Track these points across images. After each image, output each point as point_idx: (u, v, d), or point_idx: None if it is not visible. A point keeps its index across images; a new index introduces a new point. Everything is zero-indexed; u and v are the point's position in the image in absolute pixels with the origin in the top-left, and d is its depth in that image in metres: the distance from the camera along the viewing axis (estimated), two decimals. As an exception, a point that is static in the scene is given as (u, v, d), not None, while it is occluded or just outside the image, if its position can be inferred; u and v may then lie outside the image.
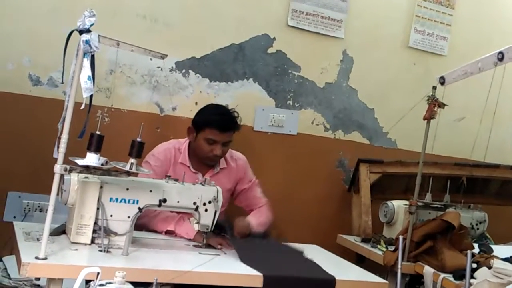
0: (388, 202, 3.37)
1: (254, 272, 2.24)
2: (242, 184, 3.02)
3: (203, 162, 2.90)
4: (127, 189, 2.33)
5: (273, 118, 3.56)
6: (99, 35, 2.03)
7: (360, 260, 3.18)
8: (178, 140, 2.98)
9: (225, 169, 2.96)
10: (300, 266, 2.50)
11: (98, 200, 2.27)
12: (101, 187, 2.28)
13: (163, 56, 2.30)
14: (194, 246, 2.55)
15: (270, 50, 3.54)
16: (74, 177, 2.21)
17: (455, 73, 2.08)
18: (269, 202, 3.03)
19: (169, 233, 2.68)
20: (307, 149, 3.66)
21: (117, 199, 2.32)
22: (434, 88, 2.81)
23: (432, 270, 2.72)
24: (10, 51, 3.01)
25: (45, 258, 1.99)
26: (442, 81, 2.27)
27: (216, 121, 2.81)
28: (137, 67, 3.24)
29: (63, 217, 2.36)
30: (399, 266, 1.42)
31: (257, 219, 2.86)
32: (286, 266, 2.47)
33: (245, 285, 2.21)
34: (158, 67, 3.28)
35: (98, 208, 2.27)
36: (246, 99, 3.49)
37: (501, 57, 1.63)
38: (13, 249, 2.30)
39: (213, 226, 2.53)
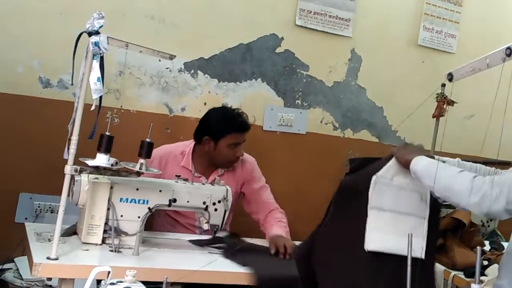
0: (397, 200, 3.35)
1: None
2: (248, 186, 2.93)
3: (217, 166, 2.86)
4: (137, 189, 2.35)
5: (282, 117, 3.57)
6: (108, 37, 2.05)
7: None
8: (184, 142, 2.94)
9: (229, 171, 2.89)
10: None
11: (109, 200, 2.28)
12: (111, 187, 2.29)
13: (171, 57, 2.31)
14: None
15: (278, 50, 3.55)
16: (84, 177, 2.23)
17: (463, 69, 2.07)
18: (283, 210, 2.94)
19: None
20: (316, 148, 3.66)
21: (127, 199, 2.33)
22: (443, 85, 2.79)
23: (443, 267, 2.71)
24: (20, 54, 3.04)
25: (57, 259, 2.01)
26: (450, 77, 2.25)
27: (237, 124, 2.83)
28: (146, 68, 3.26)
29: (74, 218, 2.37)
30: (409, 263, 1.42)
31: (286, 232, 2.80)
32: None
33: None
34: (167, 68, 3.29)
35: (108, 209, 2.29)
36: (255, 99, 3.49)
37: (509, 52, 1.63)
38: (24, 250, 2.32)
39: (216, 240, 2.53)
